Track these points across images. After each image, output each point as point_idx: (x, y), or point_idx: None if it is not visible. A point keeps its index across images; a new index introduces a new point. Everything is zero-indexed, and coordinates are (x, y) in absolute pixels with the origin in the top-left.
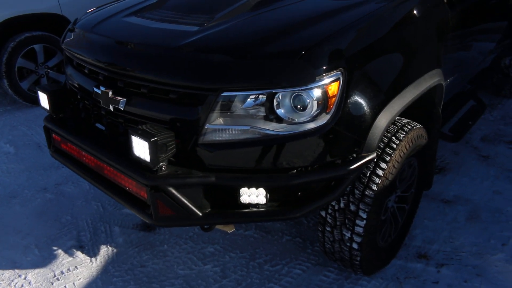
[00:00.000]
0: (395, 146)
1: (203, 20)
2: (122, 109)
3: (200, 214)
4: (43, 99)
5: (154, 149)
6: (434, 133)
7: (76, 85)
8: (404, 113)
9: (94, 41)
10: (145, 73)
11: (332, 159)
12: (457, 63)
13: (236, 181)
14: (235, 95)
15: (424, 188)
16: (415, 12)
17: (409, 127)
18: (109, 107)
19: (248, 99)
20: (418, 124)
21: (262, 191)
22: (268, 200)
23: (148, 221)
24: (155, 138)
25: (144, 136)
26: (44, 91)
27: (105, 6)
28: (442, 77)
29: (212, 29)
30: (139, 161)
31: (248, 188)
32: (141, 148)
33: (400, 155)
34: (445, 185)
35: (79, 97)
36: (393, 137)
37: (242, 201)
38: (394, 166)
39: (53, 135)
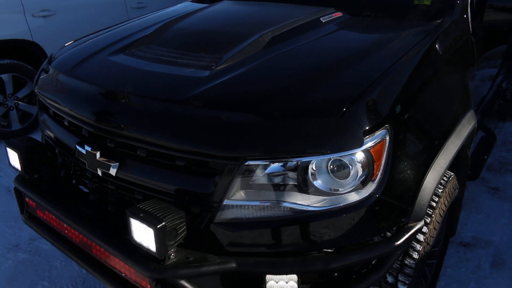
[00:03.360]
0: (434, 204)
1: (209, 62)
2: (114, 175)
3: None
4: (13, 158)
5: (161, 237)
6: (462, 178)
7: (53, 138)
8: None
9: (75, 88)
10: (143, 132)
11: (376, 234)
12: (477, 95)
13: (263, 267)
14: (262, 164)
15: (450, 236)
16: (445, 48)
17: (445, 179)
18: (96, 171)
19: (277, 169)
20: (452, 173)
21: (293, 276)
22: (299, 285)
23: None
24: (163, 224)
25: (149, 220)
26: (13, 148)
27: (86, 38)
28: (475, 119)
29: (225, 75)
30: (141, 248)
31: (277, 275)
32: (144, 234)
33: (440, 214)
34: (460, 225)
35: (57, 151)
36: (432, 195)
37: None
38: (435, 228)
39: (26, 199)
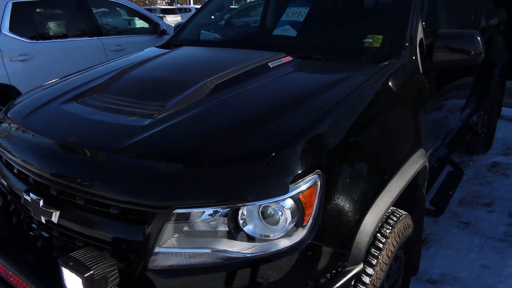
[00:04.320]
0: (381, 245)
1: (153, 110)
2: (56, 222)
3: None
4: None
5: (89, 286)
6: (419, 216)
7: (5, 185)
8: None
9: (23, 136)
10: (80, 181)
11: (312, 279)
12: (436, 132)
13: None
14: (192, 212)
15: (411, 274)
16: (391, 90)
17: (395, 219)
18: (40, 218)
19: (207, 216)
20: (403, 213)
21: None
22: None
23: None
24: (91, 273)
25: (77, 269)
26: None
27: (48, 85)
28: (426, 157)
29: (161, 124)
30: None
31: None
32: (73, 283)
33: (387, 255)
34: (429, 261)
35: (9, 198)
36: (378, 235)
37: None
38: (382, 269)
39: None
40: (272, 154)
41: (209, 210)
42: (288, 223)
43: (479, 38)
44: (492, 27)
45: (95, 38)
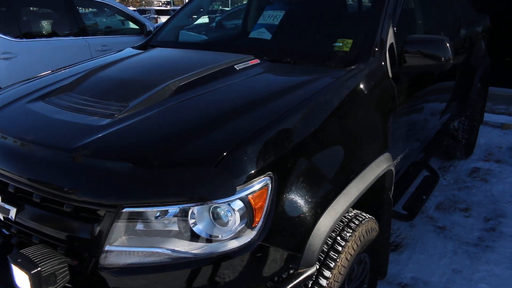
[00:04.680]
0: (340, 248)
1: (115, 110)
2: (13, 219)
3: None
4: None
5: (36, 282)
6: (386, 219)
7: None
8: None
9: None
10: (35, 179)
11: (263, 281)
12: (409, 137)
13: None
14: (141, 212)
15: (379, 278)
16: (355, 94)
17: (357, 222)
18: None
19: (157, 216)
20: (367, 216)
21: None
22: None
23: None
24: (38, 269)
25: (24, 266)
26: None
27: (21, 83)
28: (391, 161)
29: (119, 124)
30: None
31: None
32: (23, 279)
33: (347, 258)
34: (402, 265)
35: None
36: (338, 237)
37: None
38: (340, 273)
39: None
40: (222, 155)
41: (158, 210)
42: (237, 224)
43: (448, 44)
44: (473, 33)
45: (81, 38)
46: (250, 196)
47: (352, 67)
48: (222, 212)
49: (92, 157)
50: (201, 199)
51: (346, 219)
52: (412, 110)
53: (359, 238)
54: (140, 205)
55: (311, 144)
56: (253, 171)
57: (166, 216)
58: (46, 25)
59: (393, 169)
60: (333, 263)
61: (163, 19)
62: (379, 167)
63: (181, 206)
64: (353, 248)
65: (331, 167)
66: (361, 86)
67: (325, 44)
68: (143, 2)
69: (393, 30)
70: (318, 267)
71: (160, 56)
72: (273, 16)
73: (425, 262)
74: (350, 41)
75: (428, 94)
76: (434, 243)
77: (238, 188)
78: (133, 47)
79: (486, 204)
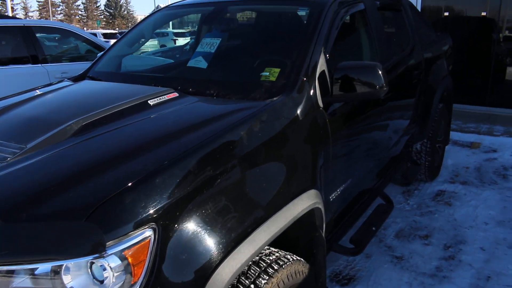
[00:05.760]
0: None
1: (10, 153)
2: None
3: None
4: None
5: None
6: (319, 260)
7: None
8: (278, 242)
9: None
10: None
11: None
12: (351, 167)
13: None
14: (13, 270)
15: None
16: (271, 128)
17: (276, 266)
18: None
19: (29, 273)
20: (292, 258)
21: None
22: None
23: None
24: None
25: None
26: None
27: None
28: (318, 199)
29: (6, 169)
30: None
31: None
32: None
33: None
34: None
35: None
36: (252, 286)
37: None
38: None
39: None
40: (95, 207)
41: (29, 268)
42: (113, 282)
43: (380, 71)
44: (432, 54)
45: (39, 65)
46: (127, 251)
47: (274, 98)
48: (97, 269)
49: None
50: (72, 256)
51: (264, 264)
52: (352, 139)
53: (278, 285)
54: (8, 263)
55: (211, 187)
56: (130, 223)
57: (39, 274)
58: (2, 52)
59: (320, 207)
60: None
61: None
62: (297, 207)
63: (52, 263)
64: None
65: (234, 212)
66: (281, 119)
67: (253, 74)
68: (130, 24)
69: (325, 56)
70: None
71: (79, 90)
72: (210, 44)
73: None
74: (277, 70)
75: (373, 120)
76: (389, 275)
77: (110, 243)
78: (68, 78)
79: (447, 230)
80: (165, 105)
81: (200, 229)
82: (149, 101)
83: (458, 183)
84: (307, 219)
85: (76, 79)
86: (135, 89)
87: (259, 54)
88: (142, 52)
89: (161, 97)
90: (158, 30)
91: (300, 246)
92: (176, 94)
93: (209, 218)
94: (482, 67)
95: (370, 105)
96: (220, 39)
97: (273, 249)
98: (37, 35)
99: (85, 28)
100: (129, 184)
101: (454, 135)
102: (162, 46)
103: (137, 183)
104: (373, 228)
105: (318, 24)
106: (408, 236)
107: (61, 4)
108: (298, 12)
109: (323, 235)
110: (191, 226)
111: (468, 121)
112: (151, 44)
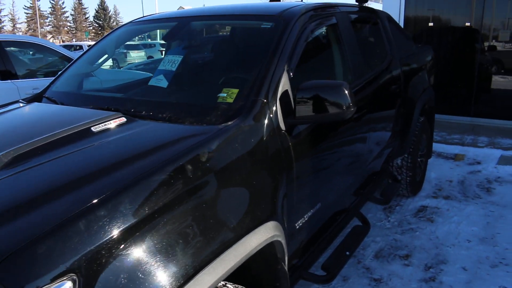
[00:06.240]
0: None
1: None
2: None
3: None
4: None
5: None
6: None
7: None
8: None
9: None
10: None
11: None
12: (320, 190)
13: None
14: None
15: None
16: (223, 156)
17: None
18: None
19: None
20: None
21: None
22: None
23: None
24: None
25: None
26: None
27: None
28: (278, 231)
29: None
30: None
31: None
32: None
33: None
34: None
35: None
36: None
37: None
38: None
39: None
40: (1, 259)
41: None
42: None
43: (346, 91)
44: (412, 66)
45: (9, 81)
46: None
47: (229, 123)
48: None
49: None
50: None
51: None
52: (322, 161)
53: None
54: None
55: (147, 229)
56: (45, 276)
57: None
58: None
59: (280, 239)
60: None
61: (133, 53)
62: (251, 243)
63: None
64: None
65: (175, 255)
66: (234, 146)
67: (210, 95)
68: None
69: (289, 75)
70: None
71: (23, 115)
72: (171, 62)
73: None
74: (236, 90)
75: (346, 139)
76: None
77: None
78: (23, 99)
79: (428, 249)
80: (109, 132)
81: (132, 275)
82: (92, 128)
83: (441, 197)
84: (269, 251)
85: (31, 100)
86: (82, 113)
87: (219, 73)
88: (129, 63)
89: (106, 123)
90: (144, 41)
91: (264, 278)
92: (123, 120)
93: (143, 263)
94: (466, 77)
95: (342, 123)
96: (182, 56)
97: (229, 285)
98: (8, 49)
99: (74, 40)
100: (50, 228)
101: (438, 147)
102: (149, 57)
103: (59, 227)
104: (347, 253)
105: (282, 40)
106: (387, 256)
107: (50, 16)
108: (262, 27)
109: (286, 268)
110: (120, 273)
111: (452, 132)
112: (138, 55)
